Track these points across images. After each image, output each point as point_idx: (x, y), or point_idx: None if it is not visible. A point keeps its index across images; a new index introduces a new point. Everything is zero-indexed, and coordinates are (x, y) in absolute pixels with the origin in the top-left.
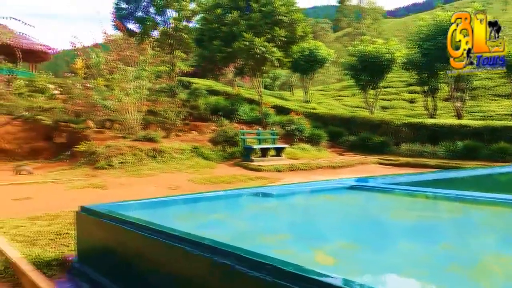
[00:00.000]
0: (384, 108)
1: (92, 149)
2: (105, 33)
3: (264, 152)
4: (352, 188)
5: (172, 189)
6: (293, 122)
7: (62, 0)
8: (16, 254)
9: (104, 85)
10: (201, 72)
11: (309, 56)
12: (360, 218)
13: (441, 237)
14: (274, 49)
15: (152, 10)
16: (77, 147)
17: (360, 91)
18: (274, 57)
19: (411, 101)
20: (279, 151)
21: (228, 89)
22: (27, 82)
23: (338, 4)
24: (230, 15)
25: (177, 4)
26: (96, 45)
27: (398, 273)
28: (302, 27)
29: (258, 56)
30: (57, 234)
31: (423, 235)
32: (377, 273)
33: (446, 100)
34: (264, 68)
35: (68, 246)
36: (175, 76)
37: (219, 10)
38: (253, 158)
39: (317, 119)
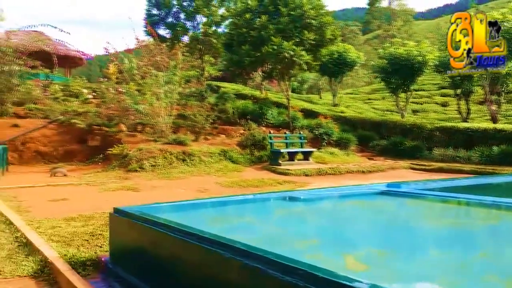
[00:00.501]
0: (415, 111)
1: (124, 152)
2: (137, 39)
3: (292, 156)
4: (383, 193)
5: (201, 192)
6: (322, 126)
7: (93, 7)
8: (52, 254)
9: (136, 90)
10: (230, 76)
11: (338, 59)
12: (392, 224)
13: (476, 245)
14: (303, 52)
15: (182, 16)
16: (110, 150)
17: (390, 94)
18: (303, 60)
19: (444, 105)
20: (307, 155)
21: (256, 93)
22: (62, 87)
23: (368, 6)
24: (259, 19)
25: (206, 9)
26: (128, 51)
27: (430, 281)
28: (331, 30)
29: (287, 59)
30: (91, 235)
31: (457, 242)
32: (408, 280)
33: (481, 103)
34: (293, 71)
35: (101, 247)
36: (204, 80)
37: (248, 15)
38: (280, 162)
39: (346, 123)
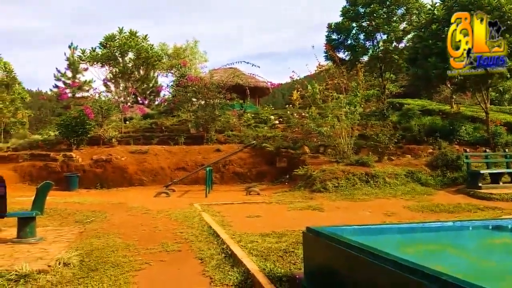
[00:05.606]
0: None
1: (308, 173)
2: (319, 64)
3: (496, 178)
4: None
5: (388, 216)
6: None
7: (276, 41)
8: (253, 267)
9: (317, 113)
10: (413, 92)
11: None
12: None
13: None
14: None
15: (361, 36)
16: (295, 171)
17: None
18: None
19: None
20: None
21: (445, 107)
22: (253, 115)
23: None
24: (447, 28)
25: (387, 26)
26: (310, 76)
27: None
28: None
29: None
30: (285, 252)
31: None
32: None
33: None
34: (491, 81)
35: (294, 264)
36: (384, 98)
37: (434, 26)
38: (481, 184)
39: None
